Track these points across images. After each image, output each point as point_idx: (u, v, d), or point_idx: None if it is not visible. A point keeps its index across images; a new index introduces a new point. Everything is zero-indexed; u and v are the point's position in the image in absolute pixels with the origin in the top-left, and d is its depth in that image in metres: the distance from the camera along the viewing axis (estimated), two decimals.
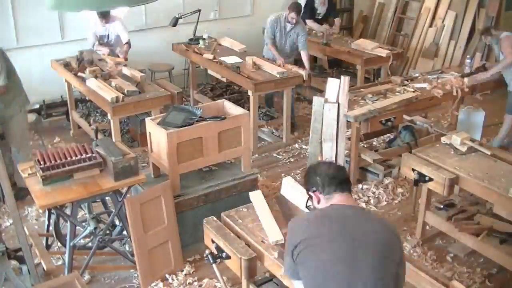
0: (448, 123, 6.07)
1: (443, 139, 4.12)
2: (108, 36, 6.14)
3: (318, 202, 2.34)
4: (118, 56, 5.94)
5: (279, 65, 5.85)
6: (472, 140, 4.05)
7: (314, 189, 2.34)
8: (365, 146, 5.43)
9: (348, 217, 2.21)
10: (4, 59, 4.47)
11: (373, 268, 2.09)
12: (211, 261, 2.96)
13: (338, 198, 2.28)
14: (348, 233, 2.15)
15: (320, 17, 7.29)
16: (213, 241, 2.98)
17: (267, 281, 3.20)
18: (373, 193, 4.94)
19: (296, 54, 6.36)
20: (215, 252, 2.94)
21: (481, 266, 3.99)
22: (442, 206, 4.15)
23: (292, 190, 3.16)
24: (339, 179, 2.30)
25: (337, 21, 7.45)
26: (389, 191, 4.99)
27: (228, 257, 2.89)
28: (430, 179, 3.75)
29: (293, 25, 6.11)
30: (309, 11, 7.22)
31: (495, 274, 3.91)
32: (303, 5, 6.76)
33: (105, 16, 5.84)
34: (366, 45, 6.68)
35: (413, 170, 3.85)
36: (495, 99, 7.18)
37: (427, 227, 4.33)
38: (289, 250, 2.23)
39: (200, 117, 4.01)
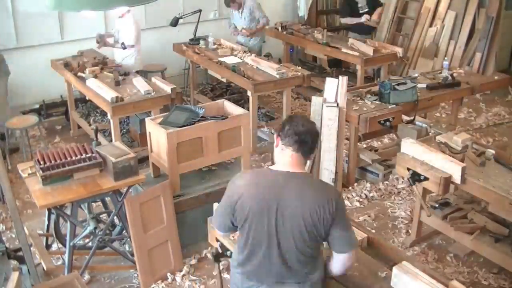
0: (448, 124, 6.07)
1: (438, 137, 4.08)
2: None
3: (276, 145, 2.46)
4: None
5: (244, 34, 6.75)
6: (472, 140, 4.03)
7: (280, 133, 2.45)
8: (365, 146, 5.43)
9: (275, 187, 2.34)
10: None
11: (283, 239, 2.32)
12: (215, 259, 2.96)
13: (288, 154, 2.39)
14: (270, 201, 2.32)
15: (363, 11, 7.03)
16: (217, 240, 2.98)
17: None
18: (367, 193, 4.94)
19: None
20: (220, 251, 2.95)
21: (481, 266, 3.99)
22: (437, 205, 4.10)
23: None
24: (301, 138, 2.37)
25: (378, 9, 7.10)
26: (386, 190, 5.01)
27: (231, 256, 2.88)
28: (426, 178, 3.67)
29: (242, 9, 6.64)
30: (348, 7, 7.10)
31: (495, 274, 3.90)
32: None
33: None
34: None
35: (408, 169, 3.77)
36: (495, 99, 7.19)
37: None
38: (227, 205, 2.43)
39: (202, 116, 4.01)
